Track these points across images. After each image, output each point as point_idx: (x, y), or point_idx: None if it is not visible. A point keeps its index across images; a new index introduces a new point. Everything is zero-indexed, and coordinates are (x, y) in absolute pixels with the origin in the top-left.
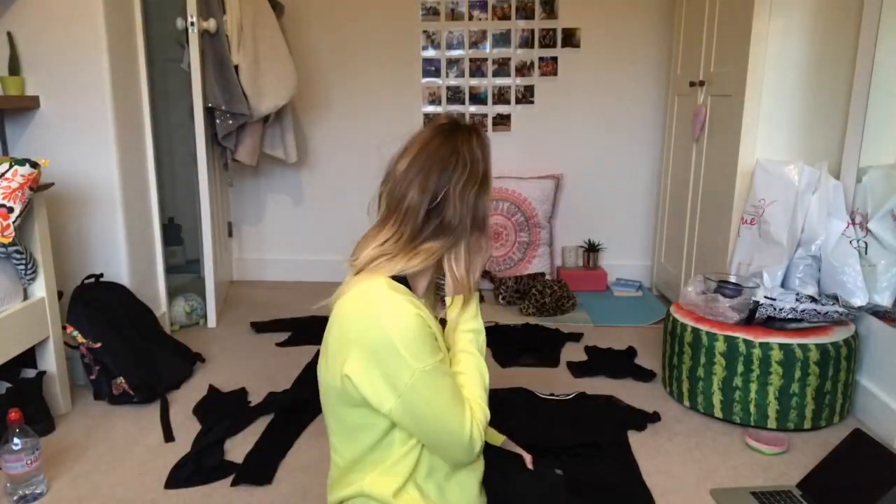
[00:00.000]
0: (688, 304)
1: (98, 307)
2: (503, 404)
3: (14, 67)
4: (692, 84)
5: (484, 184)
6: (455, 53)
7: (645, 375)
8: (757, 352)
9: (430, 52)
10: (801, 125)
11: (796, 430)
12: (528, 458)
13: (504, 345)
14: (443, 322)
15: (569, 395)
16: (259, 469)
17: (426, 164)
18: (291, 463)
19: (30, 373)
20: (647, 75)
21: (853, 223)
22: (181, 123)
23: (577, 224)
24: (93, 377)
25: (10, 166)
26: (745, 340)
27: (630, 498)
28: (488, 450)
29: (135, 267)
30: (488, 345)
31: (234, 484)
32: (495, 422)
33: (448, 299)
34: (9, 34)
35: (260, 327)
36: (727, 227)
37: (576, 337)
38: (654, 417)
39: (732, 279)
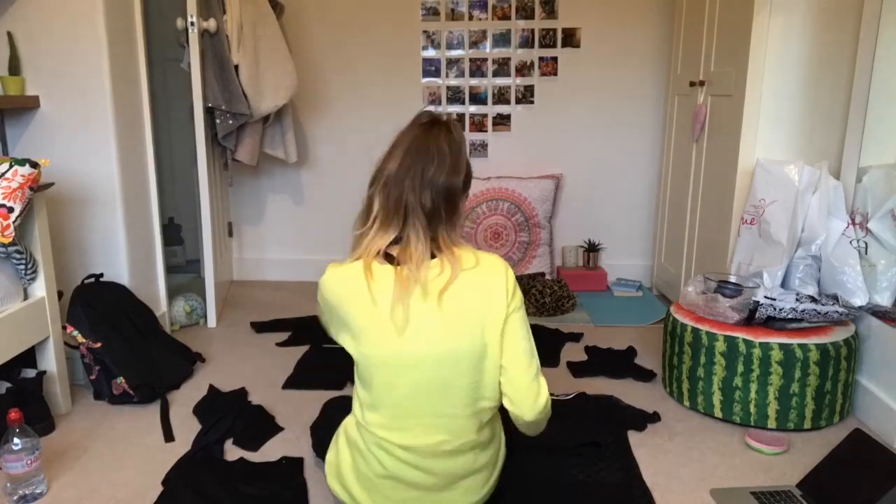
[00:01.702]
0: (688, 304)
1: (98, 307)
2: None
3: (14, 67)
4: (692, 84)
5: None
6: (455, 53)
7: (645, 375)
8: (757, 352)
9: (430, 52)
10: (801, 125)
11: (796, 430)
12: None
13: None
14: None
15: (569, 395)
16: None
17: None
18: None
19: (30, 373)
20: (647, 75)
21: (853, 223)
22: (181, 123)
23: (577, 224)
24: (93, 377)
25: (10, 166)
26: (745, 340)
27: (630, 498)
28: None
29: (135, 267)
30: None
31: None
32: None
33: None
34: (9, 34)
35: (260, 327)
36: (727, 227)
37: (576, 337)
38: (654, 418)
39: (732, 279)
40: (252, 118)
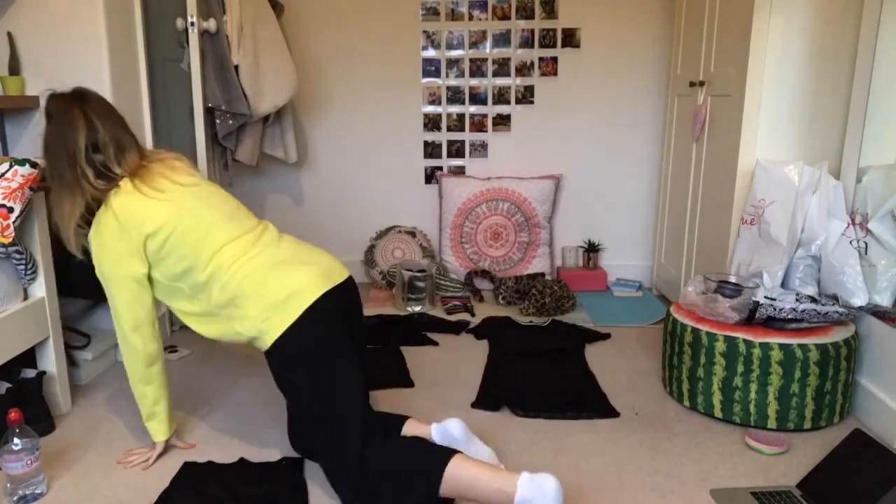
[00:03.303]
0: (688, 304)
1: None
2: (493, 328)
3: (14, 67)
4: (692, 84)
5: None
6: (455, 53)
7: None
8: (757, 352)
9: (430, 52)
10: (801, 125)
11: (796, 430)
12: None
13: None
14: None
15: (545, 322)
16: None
17: None
18: None
19: (30, 373)
20: (647, 75)
21: (853, 223)
22: (181, 123)
23: (577, 224)
24: None
25: (10, 166)
26: (745, 340)
27: (582, 388)
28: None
29: None
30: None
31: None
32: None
33: None
34: (9, 34)
35: None
36: (727, 227)
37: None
38: (606, 336)
39: (732, 279)
40: (252, 118)
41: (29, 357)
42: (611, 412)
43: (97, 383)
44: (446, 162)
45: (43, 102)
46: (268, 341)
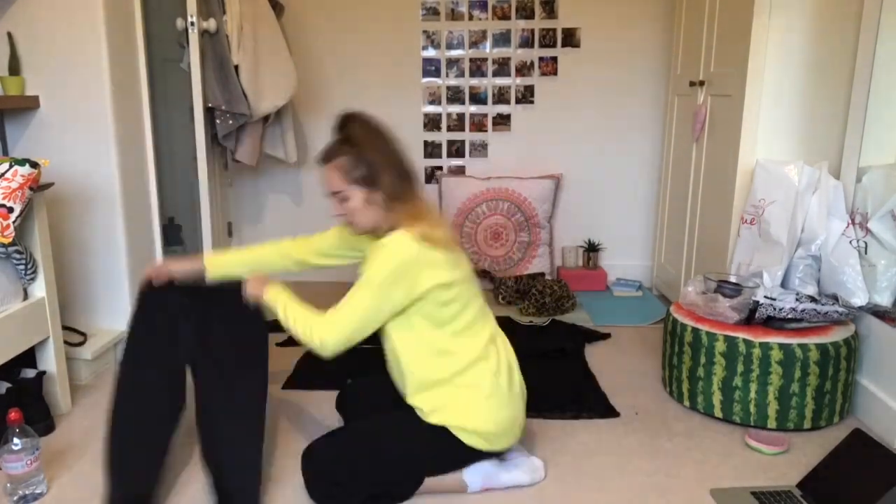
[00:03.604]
0: (688, 304)
1: None
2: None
3: (14, 67)
4: (692, 84)
5: None
6: (455, 53)
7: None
8: (757, 352)
9: (430, 52)
10: (801, 125)
11: (796, 430)
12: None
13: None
14: None
15: (545, 322)
16: None
17: None
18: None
19: (30, 373)
20: (647, 75)
21: (853, 223)
22: (181, 123)
23: (577, 224)
24: None
25: (10, 166)
26: (745, 340)
27: (582, 388)
28: None
29: (135, 267)
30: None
31: None
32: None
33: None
34: (9, 34)
35: None
36: (727, 227)
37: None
38: (606, 336)
39: (732, 279)
40: (252, 118)
41: (29, 357)
42: (611, 412)
43: (97, 383)
44: (446, 162)
45: (44, 102)
46: (461, 434)
